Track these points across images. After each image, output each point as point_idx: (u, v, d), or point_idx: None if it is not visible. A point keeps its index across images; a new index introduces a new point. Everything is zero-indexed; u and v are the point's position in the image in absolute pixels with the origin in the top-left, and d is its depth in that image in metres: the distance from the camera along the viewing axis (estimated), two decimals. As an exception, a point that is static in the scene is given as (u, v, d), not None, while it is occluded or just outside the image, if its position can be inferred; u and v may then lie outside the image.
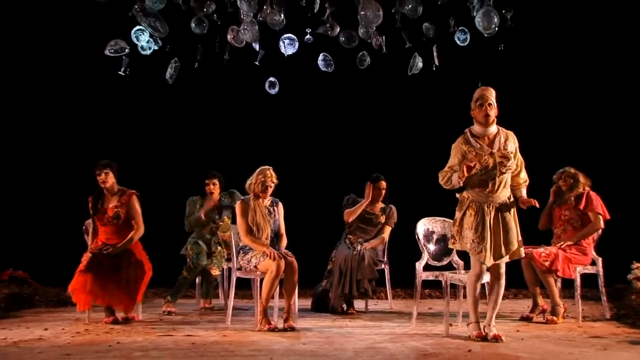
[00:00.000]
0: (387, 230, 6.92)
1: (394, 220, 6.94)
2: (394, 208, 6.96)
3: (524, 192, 5.21)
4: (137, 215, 6.19)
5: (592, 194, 6.34)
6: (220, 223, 6.87)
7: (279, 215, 6.00)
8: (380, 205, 6.96)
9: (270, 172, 5.91)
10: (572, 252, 6.15)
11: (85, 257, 5.93)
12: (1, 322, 6.07)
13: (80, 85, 8.18)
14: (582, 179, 6.39)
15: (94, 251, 5.97)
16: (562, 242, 6.20)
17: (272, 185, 5.90)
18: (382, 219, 6.92)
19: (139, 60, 6.88)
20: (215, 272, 6.76)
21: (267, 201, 5.96)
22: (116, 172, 6.19)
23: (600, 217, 6.26)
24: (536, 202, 5.14)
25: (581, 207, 6.30)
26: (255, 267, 5.80)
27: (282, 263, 5.64)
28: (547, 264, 6.00)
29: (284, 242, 5.98)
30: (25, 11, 7.92)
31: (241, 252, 5.93)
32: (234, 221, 6.15)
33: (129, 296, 5.96)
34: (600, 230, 6.33)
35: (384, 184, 6.88)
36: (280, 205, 6.05)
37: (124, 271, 5.94)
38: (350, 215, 6.81)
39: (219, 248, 6.84)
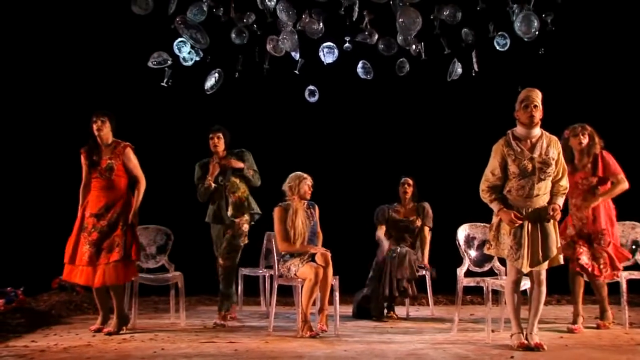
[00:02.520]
0: (427, 231, 6.87)
1: (430, 218, 6.87)
2: (427, 206, 6.89)
3: (559, 200, 5.05)
4: (136, 167, 5.93)
5: (606, 154, 5.88)
6: (227, 183, 6.44)
7: (316, 218, 6.06)
8: (411, 206, 6.91)
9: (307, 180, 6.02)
10: (616, 251, 5.85)
11: (70, 243, 5.80)
12: (52, 328, 6.18)
13: (126, 98, 8.28)
14: (597, 138, 5.88)
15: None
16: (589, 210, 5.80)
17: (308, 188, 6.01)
18: (418, 222, 6.86)
19: (181, 71, 6.99)
20: (221, 261, 6.35)
21: (304, 205, 6.02)
22: (114, 124, 5.95)
23: (624, 177, 5.84)
24: (558, 216, 5.03)
25: (600, 173, 5.84)
26: (295, 274, 5.81)
27: (320, 271, 5.66)
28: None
29: (321, 238, 6.07)
30: (75, 27, 8.07)
31: (281, 260, 5.95)
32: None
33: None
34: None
35: (410, 181, 6.88)
36: (317, 207, 6.10)
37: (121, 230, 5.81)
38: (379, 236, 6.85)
39: (235, 221, 6.41)
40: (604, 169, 5.85)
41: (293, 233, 5.88)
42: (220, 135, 6.46)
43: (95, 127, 5.89)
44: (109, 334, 5.75)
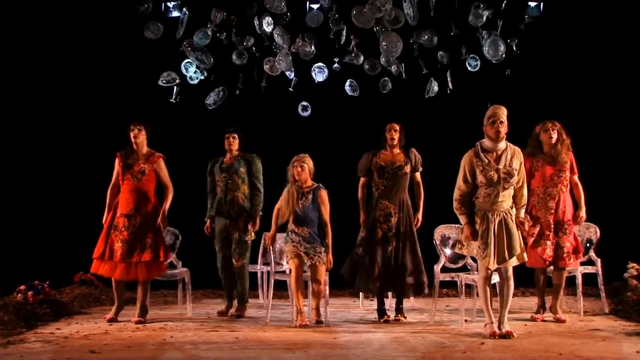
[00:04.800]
0: (419, 177, 6.04)
1: (420, 162, 6.02)
2: (414, 150, 6.05)
3: (521, 213, 5.14)
4: (166, 176, 5.97)
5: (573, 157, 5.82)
6: (229, 182, 6.23)
7: (320, 203, 5.75)
8: (399, 152, 6.02)
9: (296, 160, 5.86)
10: (575, 240, 5.82)
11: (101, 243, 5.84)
12: (74, 317, 6.22)
13: (139, 111, 8.22)
14: (564, 135, 5.72)
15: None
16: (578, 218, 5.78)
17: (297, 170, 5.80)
18: (407, 168, 5.95)
19: (187, 89, 7.00)
20: (235, 262, 6.20)
21: (307, 187, 5.83)
22: (149, 132, 5.99)
23: None
24: (528, 224, 5.19)
25: (575, 172, 5.77)
26: (287, 263, 5.82)
27: (295, 261, 5.62)
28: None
29: (329, 233, 5.76)
30: (97, 52, 8.02)
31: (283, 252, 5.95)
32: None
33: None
34: (599, 233, 6.17)
35: (396, 126, 5.99)
36: (322, 192, 5.79)
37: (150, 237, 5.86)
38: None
39: (241, 224, 6.21)
40: (575, 169, 5.83)
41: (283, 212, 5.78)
42: (236, 135, 6.32)
43: (132, 134, 5.93)
44: (139, 322, 5.77)
